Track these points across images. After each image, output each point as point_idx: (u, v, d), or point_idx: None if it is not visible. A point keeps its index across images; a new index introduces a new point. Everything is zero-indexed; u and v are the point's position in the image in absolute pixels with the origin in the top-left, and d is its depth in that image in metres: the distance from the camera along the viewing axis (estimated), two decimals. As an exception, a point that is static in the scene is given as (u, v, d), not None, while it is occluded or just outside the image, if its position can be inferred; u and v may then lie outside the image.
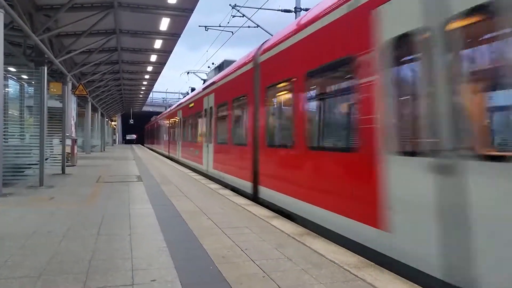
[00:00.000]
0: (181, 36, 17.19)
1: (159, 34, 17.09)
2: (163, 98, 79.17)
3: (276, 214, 7.14)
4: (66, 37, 16.55)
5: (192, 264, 4.24)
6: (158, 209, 7.36)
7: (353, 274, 3.92)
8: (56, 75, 18.53)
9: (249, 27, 21.75)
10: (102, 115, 41.21)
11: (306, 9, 18.05)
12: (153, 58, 21.65)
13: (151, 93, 49.41)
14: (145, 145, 64.38)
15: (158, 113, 77.22)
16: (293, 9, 20.18)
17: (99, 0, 13.45)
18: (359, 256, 4.54)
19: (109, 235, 5.45)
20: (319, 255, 4.59)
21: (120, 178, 12.98)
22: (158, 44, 18.64)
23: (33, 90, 11.33)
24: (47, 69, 11.61)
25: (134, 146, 56.94)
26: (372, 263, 4.30)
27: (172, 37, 17.52)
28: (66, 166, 14.54)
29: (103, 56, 20.31)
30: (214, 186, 11.24)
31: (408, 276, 3.88)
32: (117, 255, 4.53)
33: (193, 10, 14.34)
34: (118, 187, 10.52)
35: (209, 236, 5.38)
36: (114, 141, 64.83)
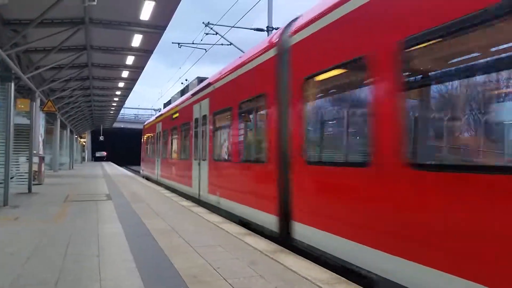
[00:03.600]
0: (160, 53, 17.36)
1: (131, 50, 16.96)
2: (135, 114, 78.23)
3: (249, 231, 7.10)
4: (35, 52, 16.18)
5: (162, 284, 4.15)
6: (128, 228, 7.19)
7: (325, 290, 3.94)
8: (24, 91, 18.03)
9: (222, 44, 21.92)
10: (71, 132, 40.22)
11: (277, 28, 18.39)
12: (125, 74, 21.43)
13: (123, 109, 48.70)
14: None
15: (130, 130, 76.53)
16: (265, 28, 20.53)
17: (70, 16, 13.26)
18: (331, 272, 4.57)
19: (76, 255, 5.28)
20: (291, 272, 4.59)
21: (89, 196, 12.64)
22: (130, 60, 18.49)
23: (-1, 107, 10.96)
24: (15, 85, 11.28)
25: (104, 163, 55.63)
26: (344, 279, 4.33)
27: (145, 53, 17.43)
28: (33, 184, 14.05)
29: (73, 72, 19.96)
30: (187, 203, 11.10)
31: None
32: (85, 276, 4.39)
33: (165, 27, 14.35)
34: (87, 206, 10.23)
35: (180, 255, 5.30)
36: (83, 158, 63.20)
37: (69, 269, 4.65)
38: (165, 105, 22.72)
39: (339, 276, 4.41)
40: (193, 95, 13.72)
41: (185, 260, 5.07)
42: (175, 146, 16.78)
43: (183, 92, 17.73)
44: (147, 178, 23.62)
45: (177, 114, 16.31)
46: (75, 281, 4.22)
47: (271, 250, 5.66)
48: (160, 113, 23.29)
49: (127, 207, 10.12)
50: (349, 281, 4.23)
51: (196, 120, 12.88)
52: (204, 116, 11.84)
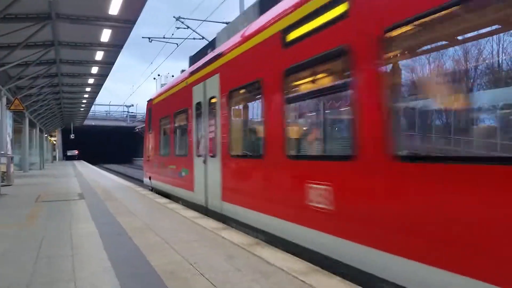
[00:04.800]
0: (132, 48, 16.96)
1: (101, 45, 16.57)
2: (106, 111, 76.64)
3: (226, 226, 7.12)
4: (-2, 49, 15.60)
5: (138, 282, 4.13)
6: (102, 227, 7.09)
7: (300, 280, 4.01)
8: (-12, 90, 17.36)
9: (194, 39, 21.70)
10: (40, 130, 39.07)
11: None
12: (95, 70, 20.94)
13: (94, 106, 47.67)
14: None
15: (101, 127, 74.85)
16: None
17: (35, 11, 12.82)
18: (307, 263, 4.65)
19: (49, 257, 5.17)
20: (268, 263, 4.64)
21: (61, 196, 12.35)
22: (99, 55, 18.07)
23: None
24: (-23, 83, 10.88)
25: (76, 162, 54.32)
26: (319, 268, 4.41)
27: (114, 48, 17.06)
28: (2, 185, 13.62)
29: (41, 69, 19.34)
30: (163, 200, 11.01)
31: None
32: (58, 277, 4.31)
33: (135, 22, 14.07)
34: (59, 206, 10.00)
35: (157, 252, 5.27)
36: (54, 157, 61.53)
37: (41, 271, 4.55)
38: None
39: (314, 266, 4.49)
40: (190, 75, 10.34)
41: (162, 257, 5.04)
42: (166, 140, 12.98)
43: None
44: (165, 195, 12.67)
45: (168, 100, 12.70)
46: (48, 283, 4.14)
47: (247, 243, 5.70)
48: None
49: (101, 206, 9.95)
50: (324, 271, 4.31)
51: (197, 105, 9.63)
52: (211, 99, 8.70)
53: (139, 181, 25.94)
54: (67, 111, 40.32)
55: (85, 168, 35.87)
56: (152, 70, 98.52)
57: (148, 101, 15.85)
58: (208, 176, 8.76)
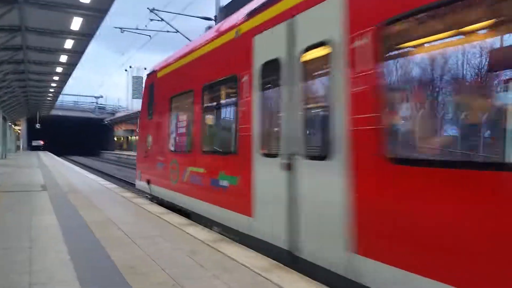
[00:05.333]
0: (106, 39, 16.47)
1: (71, 33, 16.10)
2: (75, 101, 74.67)
3: (192, 222, 7.07)
4: (-41, 31, 14.90)
5: (97, 276, 4.05)
6: (63, 220, 6.90)
7: (262, 276, 4.04)
8: None
9: (168, 31, 21.43)
10: (4, 118, 37.60)
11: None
12: (64, 58, 20.34)
13: (62, 96, 46.28)
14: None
15: (69, 118, 72.59)
16: (213, 17, 20.34)
17: (0, -6, 12.35)
18: (270, 259, 4.68)
19: (5, 249, 5.00)
20: (231, 260, 4.64)
21: (23, 187, 11.95)
22: (69, 44, 17.56)
23: None
24: None
25: (40, 153, 52.55)
26: (281, 264, 4.46)
27: (85, 37, 16.64)
28: (-42, 174, 13.04)
29: (6, 54, 18.58)
30: (129, 194, 10.81)
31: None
32: (13, 269, 4.17)
33: (107, 11, 13.76)
34: (20, 197, 9.68)
35: (118, 247, 5.17)
36: (18, 147, 59.37)
37: (-5, 263, 4.39)
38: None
39: (277, 263, 4.53)
40: (259, 10, 5.93)
41: (123, 251, 4.96)
42: (192, 130, 8.25)
43: None
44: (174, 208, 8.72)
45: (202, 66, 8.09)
46: (2, 275, 4.00)
47: (212, 239, 5.68)
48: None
49: (63, 198, 9.68)
50: (286, 267, 4.36)
51: (259, 71, 5.68)
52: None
53: (107, 176, 25.46)
54: (33, 99, 38.96)
55: (51, 159, 34.79)
56: (124, 61, 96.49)
57: (148, 75, 11.15)
58: (301, 195, 4.71)
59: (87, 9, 13.41)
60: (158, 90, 10.28)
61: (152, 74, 10.77)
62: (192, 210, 7.77)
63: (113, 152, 67.86)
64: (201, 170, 7.38)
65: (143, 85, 11.23)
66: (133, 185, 20.93)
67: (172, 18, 28.32)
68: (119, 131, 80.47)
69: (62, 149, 67.24)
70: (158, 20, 20.27)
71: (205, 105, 7.59)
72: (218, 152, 7.32)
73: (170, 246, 5.29)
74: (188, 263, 4.50)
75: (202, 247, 5.23)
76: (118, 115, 75.15)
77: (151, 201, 9.84)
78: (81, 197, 9.97)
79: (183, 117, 8.97)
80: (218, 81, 7.03)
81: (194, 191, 7.64)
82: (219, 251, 5.04)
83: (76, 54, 19.57)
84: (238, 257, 4.75)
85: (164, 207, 8.67)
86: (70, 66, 22.42)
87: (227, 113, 7.46)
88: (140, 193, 11.58)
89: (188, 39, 19.91)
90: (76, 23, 14.74)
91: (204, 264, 4.47)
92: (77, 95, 78.72)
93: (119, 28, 21.36)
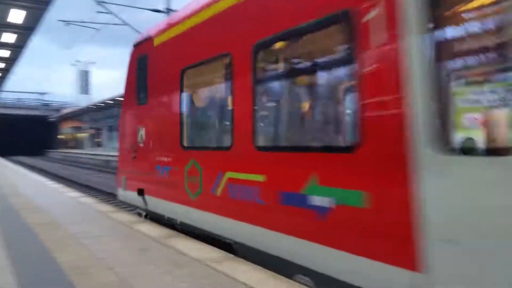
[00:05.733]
0: (52, 33, 15.64)
1: (9, 26, 15.17)
2: (18, 98, 70.76)
3: (144, 219, 6.91)
4: None
5: (40, 279, 3.85)
6: (3, 223, 6.50)
7: (214, 268, 4.01)
8: None
9: (116, 24, 20.72)
10: None
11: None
12: (2, 53, 19.17)
13: (2, 93, 43.64)
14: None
15: (11, 116, 68.39)
16: (165, 9, 19.93)
17: None
18: (221, 251, 4.66)
19: None
20: (183, 254, 4.57)
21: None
22: (7, 38, 16.54)
23: None
24: None
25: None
26: (233, 255, 4.46)
27: (25, 31, 15.75)
28: None
29: None
30: (75, 194, 10.37)
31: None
32: None
33: (49, 3, 13.10)
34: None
35: (64, 248, 4.94)
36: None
37: None
38: None
39: (227, 254, 4.54)
40: None
41: (69, 253, 4.74)
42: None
43: None
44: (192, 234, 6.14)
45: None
46: None
47: (164, 235, 5.57)
48: None
49: (4, 201, 9.12)
50: (237, 257, 4.38)
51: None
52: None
53: (51, 175, 24.39)
54: (-30, 97, 36.50)
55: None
56: (70, 56, 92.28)
57: (136, 45, 8.03)
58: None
59: (27, 1, 12.69)
60: (157, 62, 7.25)
61: (143, 43, 7.74)
62: (243, 241, 4.79)
63: (58, 150, 65.34)
64: (258, 177, 4.55)
65: (128, 59, 8.19)
66: (79, 184, 20.20)
67: (121, 10, 27.44)
68: (66, 129, 77.33)
69: (4, 148, 63.44)
70: (106, 13, 19.51)
71: (260, 75, 4.79)
72: (302, 148, 4.44)
73: (119, 245, 5.14)
74: (138, 261, 4.39)
75: (153, 244, 5.12)
76: (64, 111, 72.19)
77: (145, 218, 7.34)
78: (23, 199, 9.43)
79: (210, 97, 6.60)
80: (297, 28, 4.12)
81: (242, 212, 4.83)
82: (170, 246, 4.96)
83: (17, 49, 18.54)
84: (190, 251, 4.69)
85: (171, 228, 6.22)
86: (10, 62, 21.20)
87: (324, 76, 4.65)
88: (122, 205, 9.81)
89: (138, 31, 19.32)
90: (15, 16, 13.93)
91: (155, 261, 4.37)
92: (21, 92, 74.64)
93: (63, 21, 20.35)
